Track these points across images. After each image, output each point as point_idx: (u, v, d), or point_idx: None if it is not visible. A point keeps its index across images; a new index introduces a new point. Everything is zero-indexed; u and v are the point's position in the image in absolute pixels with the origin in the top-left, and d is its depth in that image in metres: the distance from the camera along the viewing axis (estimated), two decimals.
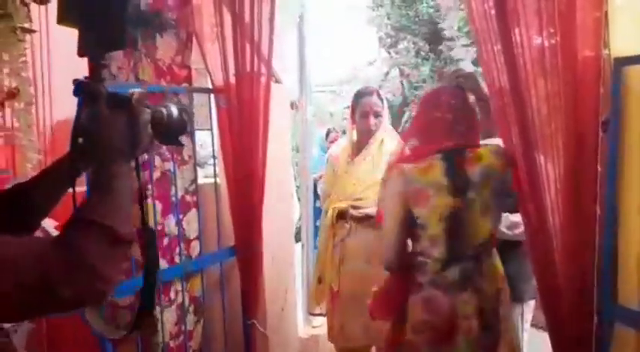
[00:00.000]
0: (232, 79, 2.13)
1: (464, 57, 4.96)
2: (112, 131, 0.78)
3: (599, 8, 1.26)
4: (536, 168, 1.40)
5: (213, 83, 2.19)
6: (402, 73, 7.50)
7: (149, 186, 1.88)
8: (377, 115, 2.03)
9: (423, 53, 5.71)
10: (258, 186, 2.13)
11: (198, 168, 2.18)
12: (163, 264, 1.93)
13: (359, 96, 2.08)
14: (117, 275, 0.70)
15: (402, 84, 7.67)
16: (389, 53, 7.17)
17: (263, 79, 2.12)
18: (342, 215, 2.05)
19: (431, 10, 5.56)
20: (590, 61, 1.28)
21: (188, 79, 2.18)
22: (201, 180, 2.17)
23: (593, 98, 1.28)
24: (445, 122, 1.48)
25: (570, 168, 1.32)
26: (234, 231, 2.18)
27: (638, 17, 1.26)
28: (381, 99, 2.06)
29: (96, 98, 0.79)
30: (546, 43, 1.34)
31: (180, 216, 2.02)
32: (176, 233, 2.00)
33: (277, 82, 2.26)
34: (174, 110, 0.92)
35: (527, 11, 1.37)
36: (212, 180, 2.20)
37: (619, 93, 1.29)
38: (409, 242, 1.54)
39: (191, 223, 2.09)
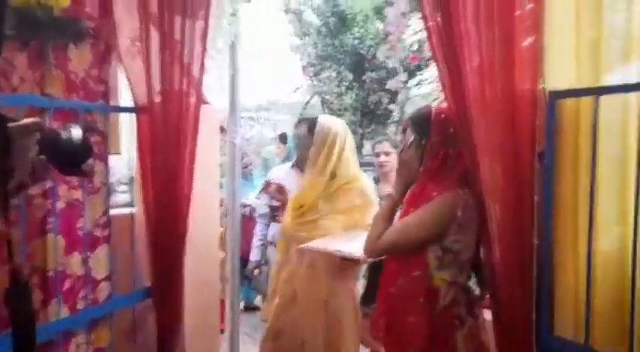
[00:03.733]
0: (157, 98, 1.93)
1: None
2: None
3: (536, 42, 1.30)
4: (479, 201, 1.39)
5: (135, 101, 1.97)
6: (323, 101, 7.61)
7: (51, 220, 1.59)
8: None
9: (346, 83, 5.83)
10: (182, 217, 1.93)
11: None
12: (64, 311, 1.63)
13: None
14: None
15: (323, 111, 7.78)
16: (312, 81, 7.25)
17: (192, 99, 1.95)
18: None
19: (356, 42, 5.72)
20: (527, 93, 1.31)
21: (105, 95, 1.93)
22: (114, 211, 1.91)
23: (530, 130, 1.30)
24: None
25: (507, 198, 1.33)
26: (151, 269, 1.94)
27: (571, 52, 1.32)
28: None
29: None
30: (485, 75, 1.36)
31: (88, 254, 1.74)
32: (81, 273, 1.71)
33: (204, 102, 2.09)
34: (77, 133, 0.77)
35: (471, 43, 1.38)
36: (127, 211, 1.95)
37: (553, 125, 1.33)
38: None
39: (100, 261, 1.81)
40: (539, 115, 1.32)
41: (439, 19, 1.45)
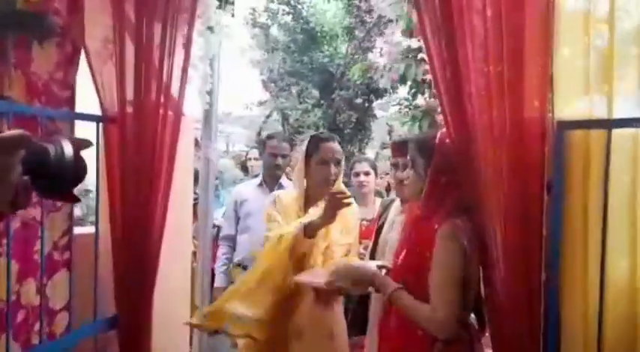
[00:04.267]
0: (129, 108, 1.76)
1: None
2: None
3: (545, 72, 1.27)
4: (483, 232, 1.34)
5: (103, 110, 1.78)
6: (284, 117, 7.51)
7: (4, 242, 1.38)
8: (338, 163, 1.81)
9: (310, 100, 5.77)
10: (155, 239, 1.75)
11: None
12: (16, 348, 1.40)
13: (318, 140, 1.83)
14: None
15: (284, 127, 7.68)
16: (273, 97, 7.14)
17: (171, 112, 1.79)
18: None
19: (326, 60, 5.69)
20: (534, 122, 1.27)
21: (70, 101, 1.74)
22: (77, 230, 1.70)
23: (538, 160, 1.26)
24: None
25: (514, 230, 1.27)
26: (116, 296, 1.74)
27: (579, 82, 1.30)
28: (341, 147, 1.85)
29: None
30: (493, 104, 1.32)
31: (45, 280, 1.52)
32: (36, 303, 1.49)
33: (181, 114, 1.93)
34: (68, 148, 0.63)
35: (477, 75, 1.34)
36: (91, 230, 1.74)
37: (562, 156, 1.29)
38: None
39: (58, 288, 1.60)
40: (547, 145, 1.29)
41: (441, 41, 1.40)
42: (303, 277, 1.62)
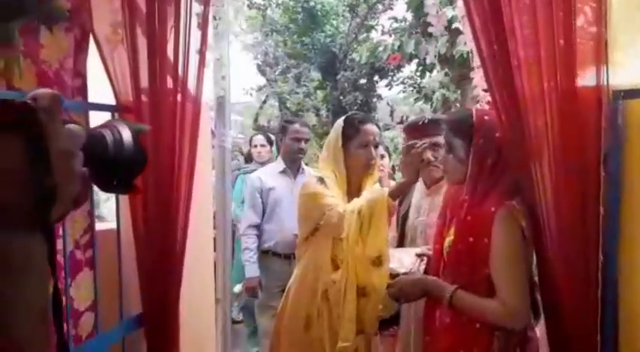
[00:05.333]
0: (145, 96, 1.67)
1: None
2: None
3: (599, 38, 1.18)
4: (537, 213, 1.27)
5: (117, 99, 1.68)
6: (281, 102, 7.36)
7: None
8: (376, 146, 1.74)
9: (311, 82, 5.61)
10: (180, 231, 1.67)
11: None
12: None
13: (357, 123, 1.74)
14: None
15: (281, 112, 7.54)
16: (270, 81, 6.98)
17: (189, 100, 1.69)
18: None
19: (328, 40, 5.52)
20: (589, 92, 1.19)
21: (82, 91, 1.64)
22: (97, 226, 1.62)
23: (594, 133, 1.19)
24: None
25: (569, 210, 1.21)
26: (142, 294, 1.67)
27: (635, 50, 1.22)
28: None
29: None
30: (544, 74, 1.24)
31: (69, 281, 1.45)
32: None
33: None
34: (126, 133, 0.56)
35: (525, 42, 1.26)
36: (113, 226, 1.66)
37: (618, 128, 1.21)
38: None
39: (82, 289, 1.52)
40: (603, 116, 1.20)
41: (485, 8, 1.31)
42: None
